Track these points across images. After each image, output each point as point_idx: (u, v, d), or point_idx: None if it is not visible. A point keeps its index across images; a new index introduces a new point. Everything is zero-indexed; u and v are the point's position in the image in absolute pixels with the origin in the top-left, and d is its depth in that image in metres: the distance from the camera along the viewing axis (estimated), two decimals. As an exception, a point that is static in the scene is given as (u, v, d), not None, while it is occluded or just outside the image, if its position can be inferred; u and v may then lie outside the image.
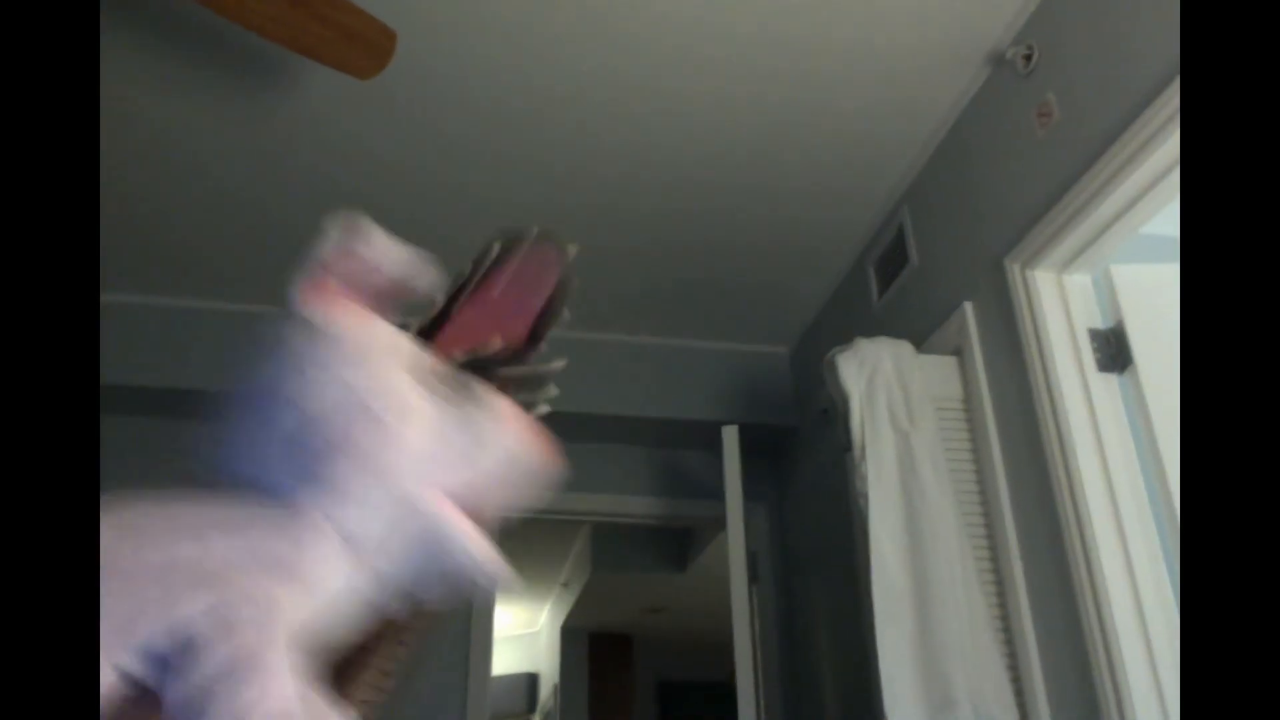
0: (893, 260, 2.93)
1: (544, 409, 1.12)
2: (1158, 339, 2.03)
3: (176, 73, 2.44)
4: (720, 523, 3.15)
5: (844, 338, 2.47)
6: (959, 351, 2.44)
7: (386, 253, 1.04)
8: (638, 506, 3.69)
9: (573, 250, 1.20)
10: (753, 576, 3.23)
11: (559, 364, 1.16)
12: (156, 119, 2.60)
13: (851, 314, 3.21)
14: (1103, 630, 1.85)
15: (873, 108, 2.60)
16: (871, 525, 2.12)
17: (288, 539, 0.83)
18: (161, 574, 0.77)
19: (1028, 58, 2.26)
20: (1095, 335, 2.13)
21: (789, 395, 3.69)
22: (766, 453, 3.72)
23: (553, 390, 1.15)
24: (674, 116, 2.61)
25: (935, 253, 2.69)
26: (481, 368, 1.09)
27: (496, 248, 1.19)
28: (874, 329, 2.75)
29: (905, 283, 2.84)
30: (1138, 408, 2.02)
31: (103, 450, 0.86)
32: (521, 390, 1.10)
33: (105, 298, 3.25)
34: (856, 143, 2.73)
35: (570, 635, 6.66)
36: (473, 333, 1.13)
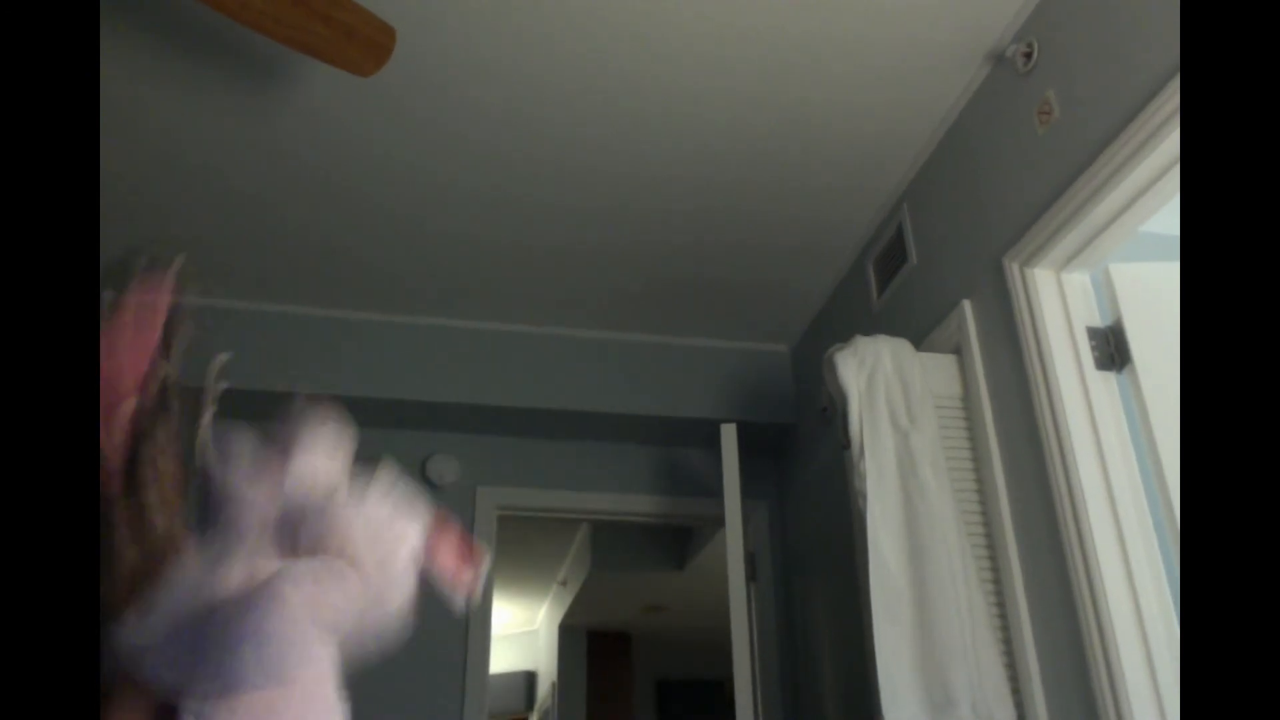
0: (892, 258, 2.93)
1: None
2: (1156, 337, 2.03)
3: (177, 71, 2.44)
4: (719, 521, 3.15)
5: (844, 336, 2.47)
6: (958, 350, 2.44)
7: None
8: (637, 504, 3.69)
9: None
10: (751, 575, 3.23)
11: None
12: (157, 117, 2.59)
13: (851, 312, 3.22)
14: (1100, 628, 1.85)
15: (872, 106, 2.60)
16: (870, 524, 2.12)
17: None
18: None
19: (1028, 55, 2.26)
20: (1094, 333, 2.13)
21: (789, 394, 3.69)
22: (766, 451, 3.72)
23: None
24: (673, 113, 2.61)
25: (935, 251, 2.69)
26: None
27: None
28: (873, 327, 2.76)
29: (905, 281, 2.84)
30: (1136, 406, 2.03)
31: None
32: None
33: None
34: (856, 141, 2.73)
35: (568, 633, 6.66)
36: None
